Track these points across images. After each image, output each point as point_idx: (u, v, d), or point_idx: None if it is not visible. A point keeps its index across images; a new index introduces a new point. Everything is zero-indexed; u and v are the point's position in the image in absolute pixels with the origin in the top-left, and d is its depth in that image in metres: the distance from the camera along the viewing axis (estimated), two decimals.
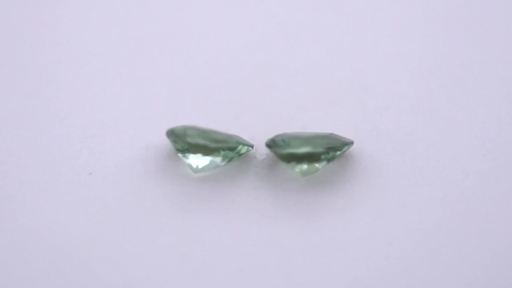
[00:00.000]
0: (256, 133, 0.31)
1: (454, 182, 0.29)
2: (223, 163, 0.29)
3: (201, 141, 0.29)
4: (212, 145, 0.29)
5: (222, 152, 0.29)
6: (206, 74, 0.32)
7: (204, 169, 0.29)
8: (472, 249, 0.27)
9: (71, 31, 0.35)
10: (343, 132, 0.30)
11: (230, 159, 0.29)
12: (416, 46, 0.34)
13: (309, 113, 0.31)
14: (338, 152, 0.29)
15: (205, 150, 0.29)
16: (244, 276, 0.27)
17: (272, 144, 0.29)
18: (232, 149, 0.29)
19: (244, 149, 0.29)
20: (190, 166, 0.29)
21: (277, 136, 0.29)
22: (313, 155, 0.29)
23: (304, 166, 0.29)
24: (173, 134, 0.30)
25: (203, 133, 0.29)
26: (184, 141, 0.29)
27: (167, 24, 0.35)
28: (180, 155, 0.29)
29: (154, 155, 0.30)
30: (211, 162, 0.29)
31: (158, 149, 0.30)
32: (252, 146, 0.30)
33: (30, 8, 0.36)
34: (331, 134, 0.30)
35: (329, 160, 0.29)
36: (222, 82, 0.32)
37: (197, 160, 0.29)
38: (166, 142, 0.30)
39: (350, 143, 0.30)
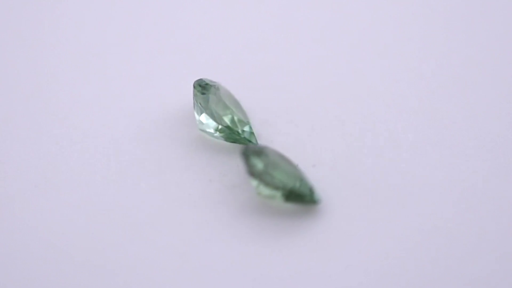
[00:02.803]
0: (258, 133, 0.31)
1: (454, 182, 0.29)
2: (222, 137, 0.30)
3: (214, 104, 0.30)
4: (211, 112, 0.30)
5: (219, 127, 0.30)
6: (206, 75, 0.32)
7: (207, 132, 0.30)
8: (472, 249, 0.27)
9: (71, 31, 0.35)
10: (343, 131, 0.30)
11: (233, 140, 0.30)
12: (416, 46, 0.34)
13: (309, 113, 0.31)
14: (297, 195, 0.28)
15: (207, 112, 0.30)
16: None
17: (247, 151, 0.28)
18: (230, 130, 0.30)
19: (241, 140, 0.30)
20: (198, 120, 0.30)
21: (259, 146, 0.29)
22: (276, 184, 0.28)
23: (263, 188, 0.28)
24: (199, 85, 0.30)
25: (222, 101, 0.30)
26: (199, 96, 0.30)
27: (167, 25, 0.35)
28: (196, 105, 0.30)
29: (154, 156, 0.30)
30: (214, 131, 0.30)
31: (157, 150, 0.30)
32: (252, 142, 0.30)
33: (30, 8, 0.36)
34: (309, 185, 0.28)
35: (286, 199, 0.28)
36: (222, 83, 0.32)
37: (207, 124, 0.30)
38: (165, 144, 0.30)
39: (314, 201, 0.28)
